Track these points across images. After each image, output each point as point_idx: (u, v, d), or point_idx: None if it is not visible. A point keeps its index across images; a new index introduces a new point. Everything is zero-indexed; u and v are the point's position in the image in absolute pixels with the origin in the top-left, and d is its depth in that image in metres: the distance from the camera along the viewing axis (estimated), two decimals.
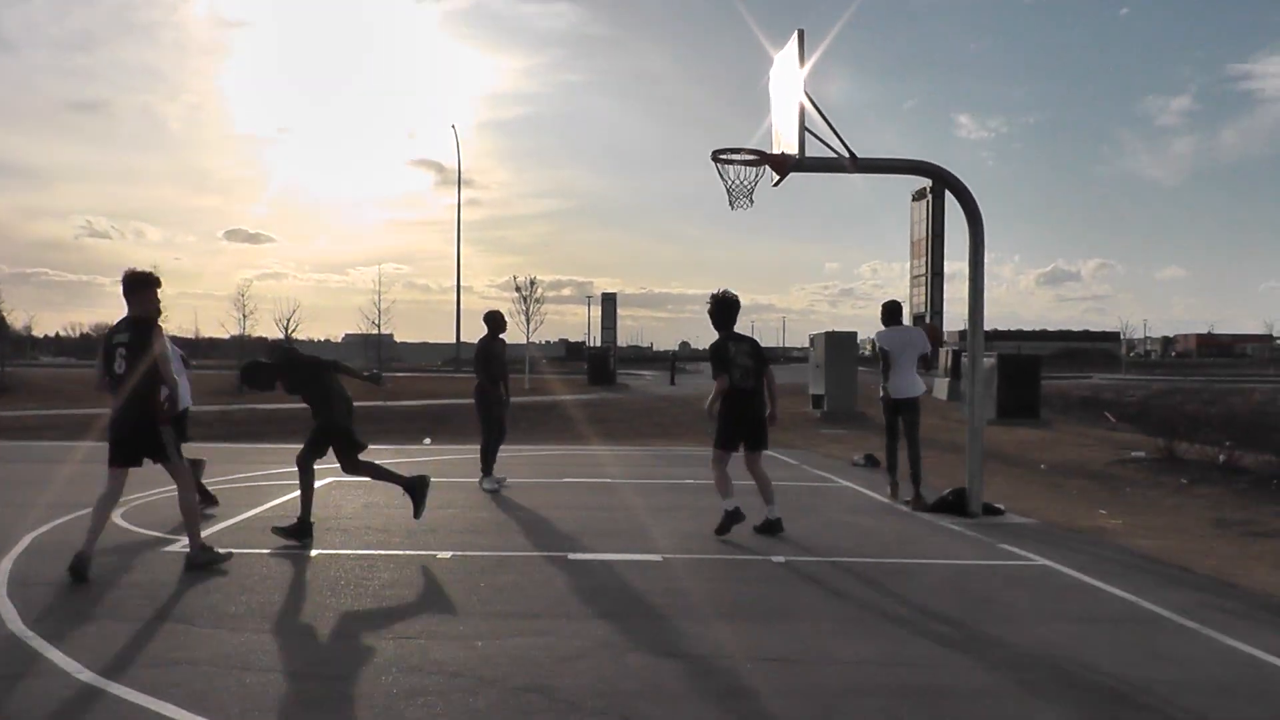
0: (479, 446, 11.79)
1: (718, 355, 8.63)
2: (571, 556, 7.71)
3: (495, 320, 11.76)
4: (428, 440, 18.14)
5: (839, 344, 24.58)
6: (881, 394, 10.77)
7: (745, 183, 9.79)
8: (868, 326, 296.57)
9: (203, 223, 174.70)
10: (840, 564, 7.61)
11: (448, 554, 7.76)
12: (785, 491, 11.53)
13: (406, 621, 5.84)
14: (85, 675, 4.85)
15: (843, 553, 8.03)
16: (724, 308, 8.80)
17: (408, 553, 7.81)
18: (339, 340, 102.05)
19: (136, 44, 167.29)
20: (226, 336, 55.17)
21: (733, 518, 8.47)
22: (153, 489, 11.02)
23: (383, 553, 7.79)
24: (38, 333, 73.73)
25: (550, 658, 5.15)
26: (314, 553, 7.76)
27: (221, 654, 5.20)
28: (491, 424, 11.65)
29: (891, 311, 10.90)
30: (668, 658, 5.19)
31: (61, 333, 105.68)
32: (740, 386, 8.59)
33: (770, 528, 8.70)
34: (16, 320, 57.43)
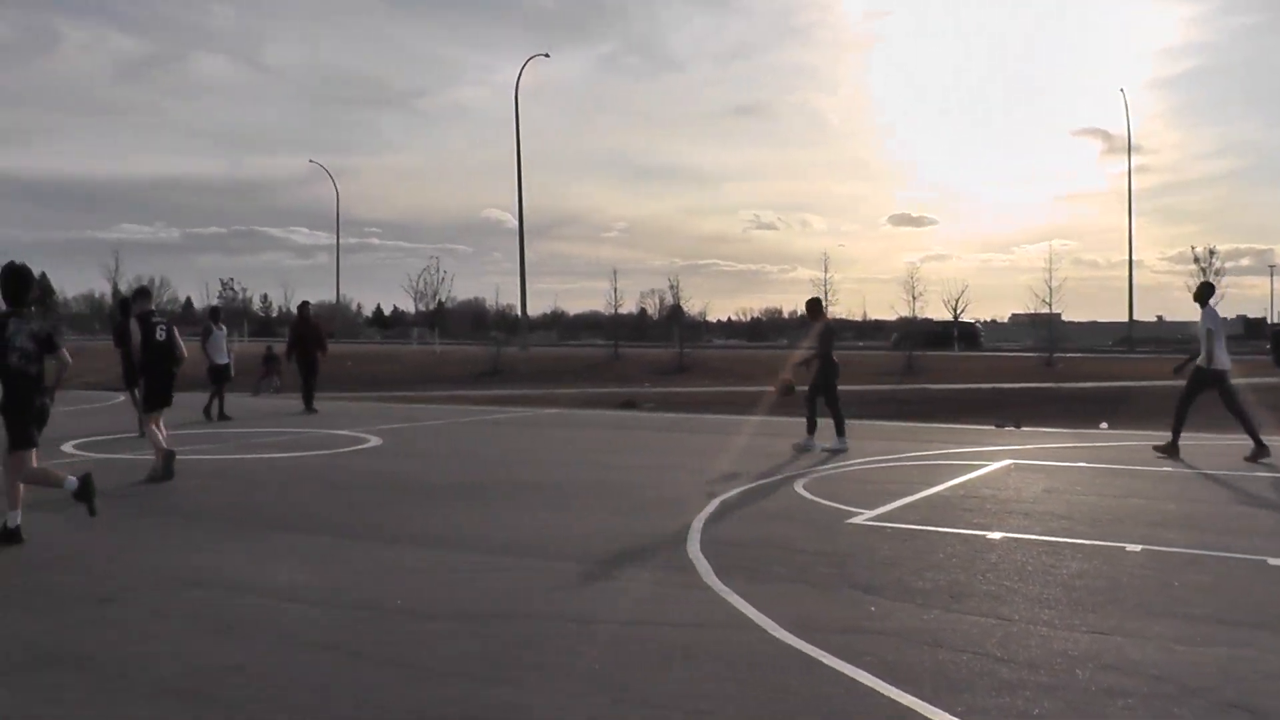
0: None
1: None
2: (1272, 562, 6.92)
3: None
4: (1104, 425, 17.31)
5: None
6: None
7: None
8: None
9: (865, 209, 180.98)
10: None
11: (1137, 547, 7.36)
12: None
13: (1099, 615, 5.62)
14: (780, 633, 5.24)
15: None
16: None
17: (1094, 542, 7.52)
18: (1005, 321, 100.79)
19: (793, 46, 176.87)
20: (894, 318, 57.24)
21: None
22: (830, 463, 11.79)
23: (1068, 540, 7.58)
24: (710, 318, 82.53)
25: (1255, 673, 4.66)
26: (997, 535, 7.78)
27: (911, 628, 5.36)
28: None
29: None
30: None
31: (732, 318, 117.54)
32: None
33: None
34: (692, 307, 64.32)
